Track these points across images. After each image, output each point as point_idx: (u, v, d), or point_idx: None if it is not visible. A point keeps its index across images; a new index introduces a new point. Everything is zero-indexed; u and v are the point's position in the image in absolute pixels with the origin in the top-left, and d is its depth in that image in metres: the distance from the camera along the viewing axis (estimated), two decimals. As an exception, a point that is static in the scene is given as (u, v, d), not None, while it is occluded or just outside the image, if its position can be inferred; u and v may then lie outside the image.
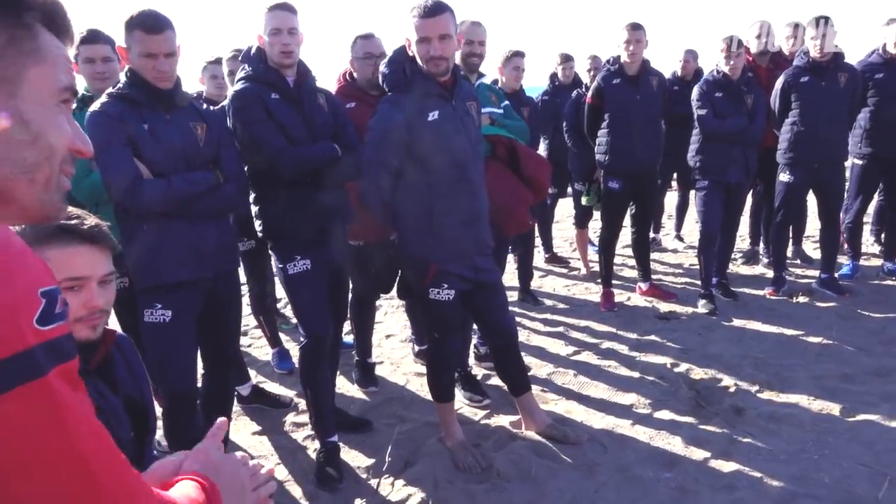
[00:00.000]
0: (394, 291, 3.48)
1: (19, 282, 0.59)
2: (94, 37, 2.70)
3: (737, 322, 4.23)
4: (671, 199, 6.73)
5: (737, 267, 5.50)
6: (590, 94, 4.50)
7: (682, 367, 3.57)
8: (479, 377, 3.54)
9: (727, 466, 2.60)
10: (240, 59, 2.73)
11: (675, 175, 6.10)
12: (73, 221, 1.30)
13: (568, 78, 5.75)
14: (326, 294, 2.75)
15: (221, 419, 1.14)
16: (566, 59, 5.70)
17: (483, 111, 3.18)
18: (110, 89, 2.28)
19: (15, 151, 0.67)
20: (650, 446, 2.79)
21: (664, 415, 3.06)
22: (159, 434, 2.64)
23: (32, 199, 0.70)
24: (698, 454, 2.70)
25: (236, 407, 3.36)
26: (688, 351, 3.79)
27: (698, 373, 3.49)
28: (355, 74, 3.29)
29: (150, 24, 2.16)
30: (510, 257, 4.64)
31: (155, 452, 1.75)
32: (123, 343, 1.54)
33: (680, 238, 6.51)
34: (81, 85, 2.83)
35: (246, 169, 2.60)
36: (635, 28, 4.21)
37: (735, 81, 4.33)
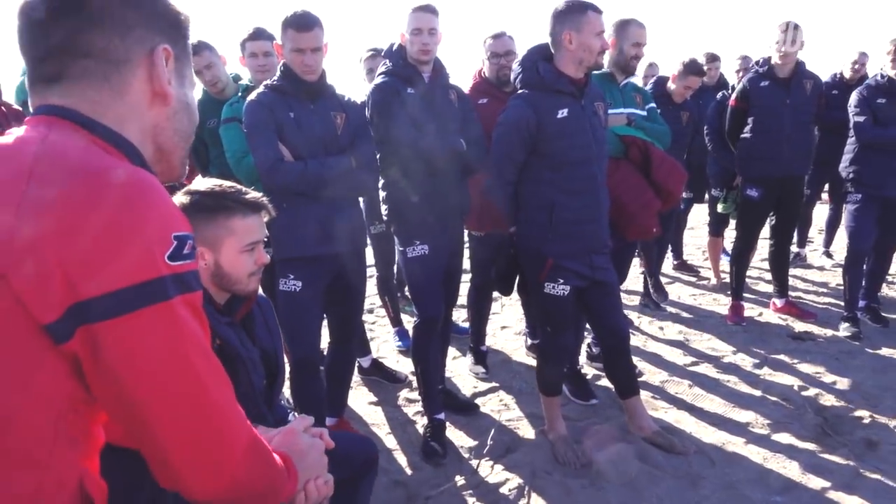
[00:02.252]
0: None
1: (158, 224, 0.75)
2: (257, 34, 3.05)
3: (885, 351, 3.86)
4: (821, 212, 6.21)
5: (893, 291, 4.98)
6: (734, 96, 4.28)
7: (812, 391, 3.34)
8: (589, 377, 3.54)
9: (848, 500, 2.43)
10: (382, 54, 2.94)
11: (826, 186, 5.64)
12: (244, 196, 1.55)
13: (712, 79, 5.48)
14: (441, 278, 2.90)
15: (307, 417, 1.30)
16: (712, 59, 5.44)
17: (623, 111, 3.18)
18: (267, 81, 2.58)
19: (183, 124, 0.94)
20: (763, 467, 2.66)
21: (783, 437, 2.90)
22: (287, 393, 2.95)
23: (179, 159, 0.96)
24: (816, 483, 2.54)
25: (356, 377, 3.63)
26: (821, 375, 3.53)
27: (829, 399, 3.24)
28: (485, 72, 3.41)
29: (300, 23, 2.43)
30: (636, 261, 4.56)
31: (283, 403, 2.00)
32: (263, 303, 1.78)
33: (828, 255, 6.00)
34: (246, 76, 3.20)
35: (378, 157, 2.81)
36: (790, 27, 3.94)
37: (902, 87, 3.92)
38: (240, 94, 3.10)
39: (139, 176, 0.77)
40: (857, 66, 5.21)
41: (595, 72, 2.81)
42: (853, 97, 4.11)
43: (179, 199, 1.52)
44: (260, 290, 1.78)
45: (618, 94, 3.19)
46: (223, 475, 0.82)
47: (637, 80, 3.49)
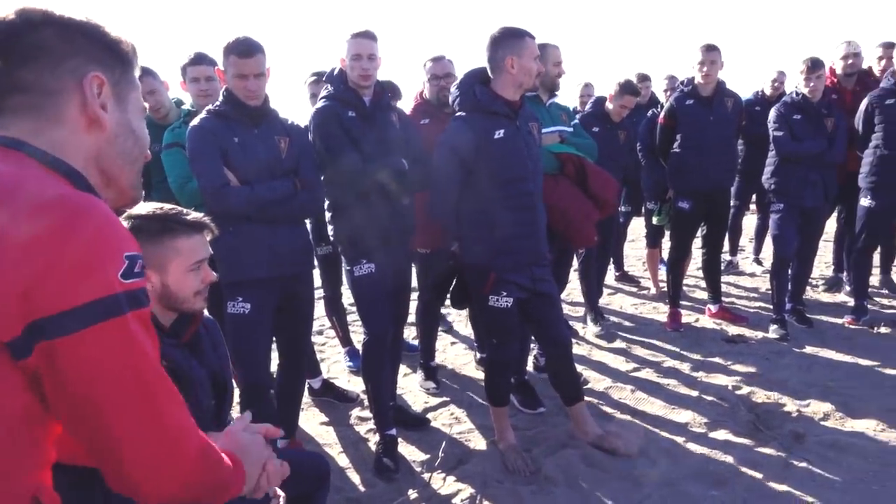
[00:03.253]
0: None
1: (111, 245, 0.80)
2: (199, 59, 3.07)
3: (809, 349, 4.11)
4: (751, 222, 6.56)
5: (817, 294, 5.31)
6: (662, 114, 4.53)
7: (745, 389, 3.53)
8: (536, 387, 3.63)
9: (778, 489, 2.59)
10: (324, 79, 3.01)
11: (754, 197, 5.97)
12: (187, 217, 1.58)
13: (644, 97, 5.77)
14: (388, 296, 2.96)
15: (246, 413, 1.36)
16: (643, 79, 5.73)
17: (554, 129, 3.33)
18: (210, 106, 2.61)
19: (126, 148, 0.97)
20: (701, 464, 2.80)
21: (719, 434, 3.06)
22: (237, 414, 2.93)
23: (128, 183, 0.99)
24: (750, 475, 2.69)
25: (307, 398, 3.63)
26: (752, 375, 3.74)
27: (760, 396, 3.44)
28: (426, 93, 3.53)
29: (242, 49, 2.47)
30: (574, 275, 4.71)
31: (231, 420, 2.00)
32: (210, 324, 1.80)
33: (758, 262, 6.33)
34: (188, 101, 3.21)
35: (322, 179, 2.86)
36: (710, 49, 4.22)
37: (815, 103, 4.24)
38: (182, 119, 3.11)
39: (88, 200, 0.81)
40: (776, 84, 5.58)
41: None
42: (772, 113, 4.41)
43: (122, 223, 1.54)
44: (206, 313, 1.80)
45: (546, 114, 3.35)
46: (177, 479, 0.86)
47: (559, 99, 3.67)
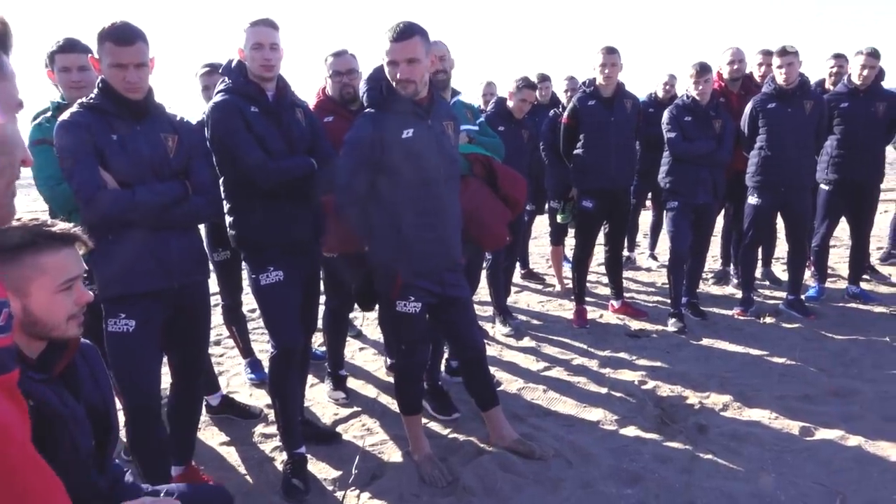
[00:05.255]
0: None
1: None
2: (70, 46, 2.71)
3: (705, 341, 4.32)
4: (646, 219, 6.85)
5: (707, 287, 5.60)
6: (566, 114, 4.59)
7: (650, 384, 3.63)
8: (450, 392, 3.56)
9: (688, 483, 2.65)
10: (220, 71, 2.76)
11: (649, 195, 6.22)
12: (52, 228, 1.34)
13: (545, 97, 5.86)
14: (298, 306, 2.77)
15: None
16: (543, 80, 5.82)
17: (462, 128, 3.24)
18: (82, 99, 2.29)
19: None
20: (614, 462, 2.83)
21: (630, 431, 3.11)
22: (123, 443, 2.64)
23: None
24: (661, 471, 2.75)
25: (205, 417, 3.35)
26: (656, 369, 3.86)
27: (665, 390, 3.55)
28: (328, 90, 3.34)
29: (119, 36, 2.17)
30: (482, 273, 4.68)
31: (117, 461, 1.76)
32: (88, 351, 1.56)
33: (654, 257, 6.62)
34: (57, 94, 2.84)
35: (221, 180, 2.62)
36: (610, 52, 4.32)
37: (704, 106, 4.45)
38: (50, 112, 2.75)
39: None
40: (667, 87, 5.83)
41: None
42: (665, 115, 4.59)
43: None
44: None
45: None
46: None
47: (464, 97, 3.60)
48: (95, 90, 2.31)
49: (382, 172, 2.59)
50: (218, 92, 2.63)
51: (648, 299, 5.38)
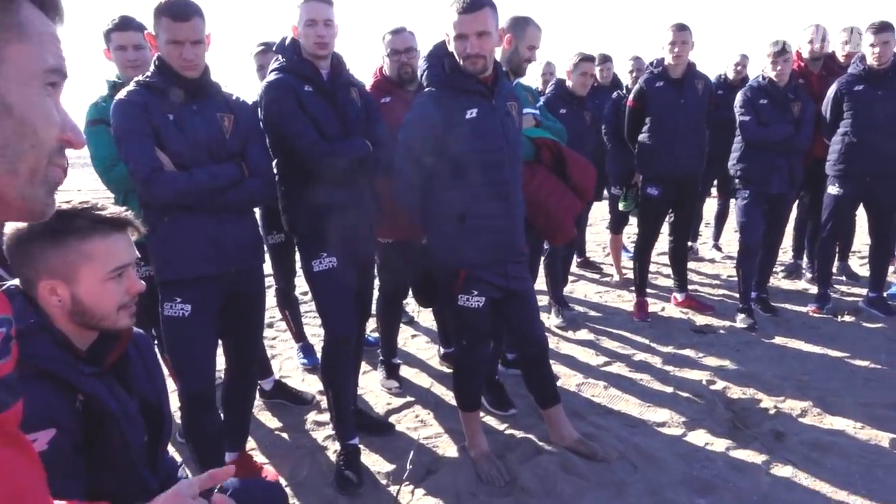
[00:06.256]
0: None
1: None
2: (125, 24, 2.66)
3: (778, 340, 4.05)
4: (710, 207, 6.53)
5: (778, 281, 5.29)
6: (631, 96, 4.35)
7: (719, 384, 3.41)
8: (506, 385, 3.43)
9: (766, 496, 2.45)
10: (273, 49, 2.66)
11: (715, 182, 5.91)
12: (102, 212, 1.26)
13: (606, 79, 5.60)
14: (352, 293, 2.67)
15: (226, 469, 1.05)
16: (604, 60, 5.56)
17: (526, 112, 3.07)
18: (139, 77, 2.23)
19: None
20: (684, 469, 2.65)
21: (699, 435, 2.92)
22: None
23: (14, 192, 0.63)
24: (735, 480, 2.55)
25: (258, 401, 3.32)
26: (725, 368, 3.63)
27: (736, 392, 3.32)
28: (386, 70, 3.22)
29: (176, 11, 2.09)
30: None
31: (171, 456, 1.70)
32: (141, 342, 1.49)
33: (718, 248, 6.31)
34: (114, 72, 2.80)
35: (275, 163, 2.53)
36: (681, 29, 4.04)
37: (781, 88, 4.14)
38: (106, 92, 2.71)
39: None
40: (738, 68, 5.48)
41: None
42: (738, 98, 4.29)
43: (16, 225, 1.20)
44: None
45: None
46: None
47: (524, 80, 3.41)
48: (152, 68, 2.24)
49: (444, 156, 2.45)
50: (271, 71, 2.53)
51: (713, 292, 5.11)
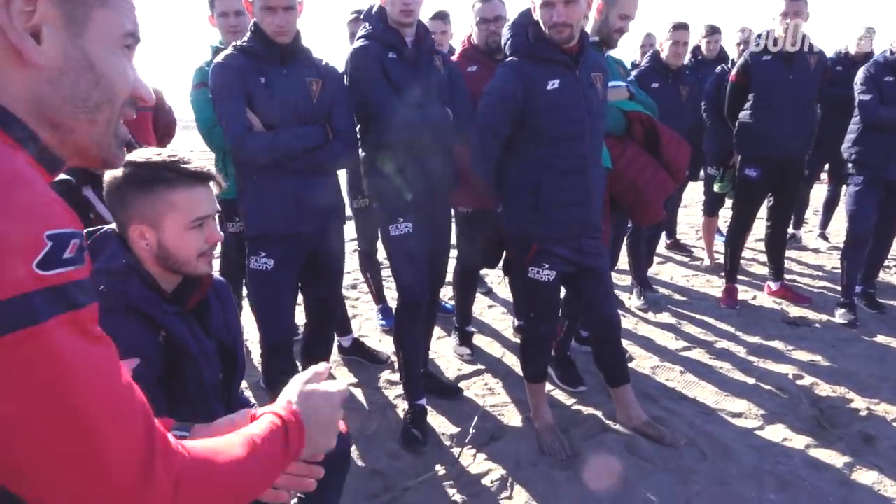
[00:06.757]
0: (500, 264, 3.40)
1: (19, 222, 0.57)
2: (228, -10, 2.81)
3: (881, 339, 3.75)
4: (818, 193, 6.08)
5: (889, 276, 4.88)
6: (734, 70, 4.09)
7: (807, 380, 3.23)
8: (578, 361, 3.40)
9: (846, 498, 2.32)
10: (361, 17, 2.73)
11: (826, 166, 5.49)
12: (187, 165, 1.36)
13: (712, 52, 5.28)
14: (425, 258, 2.73)
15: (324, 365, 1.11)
16: (712, 32, 5.23)
17: (620, 84, 2.97)
18: (236, 42, 2.36)
19: (79, 90, 0.69)
20: (757, 462, 2.54)
21: (777, 430, 2.78)
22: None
23: (90, 139, 0.72)
24: (813, 479, 2.43)
25: (336, 357, 3.49)
26: (816, 364, 3.42)
27: (825, 389, 3.13)
28: (474, 38, 3.21)
29: None
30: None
31: (245, 396, 1.83)
32: (221, 288, 1.60)
33: (824, 237, 5.88)
34: (217, 38, 2.97)
35: (358, 128, 2.61)
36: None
37: (913, 64, 3.75)
38: (210, 56, 2.88)
39: None
40: (862, 42, 5.02)
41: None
42: (860, 74, 3.93)
43: (113, 172, 1.33)
44: (217, 274, 1.59)
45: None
46: None
47: (615, 52, 3.28)
48: (248, 33, 2.36)
49: (523, 126, 2.44)
50: (358, 38, 2.60)
51: (813, 284, 4.79)
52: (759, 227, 4.69)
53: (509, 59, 2.49)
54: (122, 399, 0.65)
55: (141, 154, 1.34)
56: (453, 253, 3.74)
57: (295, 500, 1.79)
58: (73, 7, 0.68)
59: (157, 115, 3.69)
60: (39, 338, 0.57)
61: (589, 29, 2.95)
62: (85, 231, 1.39)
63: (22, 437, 0.59)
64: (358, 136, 2.61)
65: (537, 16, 2.39)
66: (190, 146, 10.49)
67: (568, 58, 2.41)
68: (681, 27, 4.09)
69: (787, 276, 4.63)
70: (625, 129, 2.88)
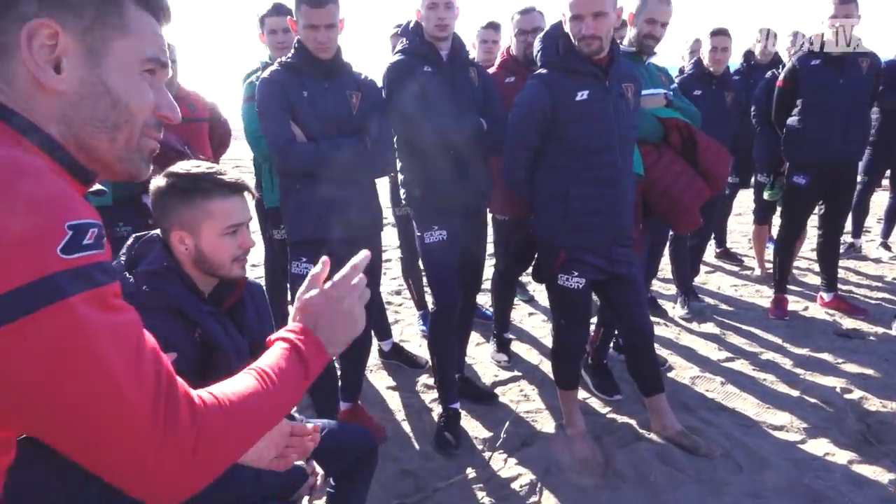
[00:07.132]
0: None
1: (44, 214, 0.66)
2: (276, 10, 2.98)
3: (940, 353, 3.59)
4: (881, 200, 5.83)
5: (955, 288, 4.64)
6: (782, 75, 4.00)
7: (856, 394, 3.12)
8: (614, 370, 3.39)
9: (886, 516, 2.25)
10: (400, 32, 2.83)
11: (888, 173, 5.27)
12: (223, 177, 1.48)
13: (766, 56, 5.16)
14: (457, 265, 2.80)
15: (324, 259, 1.13)
16: (766, 36, 5.10)
17: (657, 92, 2.97)
18: (282, 58, 2.51)
19: (98, 112, 0.78)
20: (794, 476, 2.49)
21: (820, 444, 2.71)
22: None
23: (112, 156, 0.82)
24: (853, 495, 2.36)
25: (376, 360, 3.59)
26: (867, 377, 3.30)
27: (874, 403, 3.02)
28: (513, 49, 3.27)
29: (313, 0, 2.32)
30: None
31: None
32: (255, 290, 1.72)
33: (886, 246, 5.63)
34: (266, 54, 3.14)
35: (395, 139, 2.71)
36: (844, 1, 3.63)
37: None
38: (260, 71, 3.05)
39: (13, 162, 0.68)
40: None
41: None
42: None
43: (157, 182, 1.46)
44: (252, 277, 1.71)
45: (644, 74, 2.98)
46: (181, 476, 0.74)
47: (658, 59, 3.25)
48: (292, 50, 2.51)
49: (551, 136, 2.48)
50: (395, 52, 2.71)
51: (871, 295, 4.60)
52: (814, 236, 4.54)
53: (539, 70, 2.54)
54: (144, 355, 0.73)
55: (182, 166, 1.47)
56: (491, 261, 3.81)
57: (324, 497, 1.89)
58: (92, 39, 0.77)
59: (213, 127, 3.90)
60: (67, 311, 0.66)
61: (627, 41, 2.98)
62: (135, 235, 1.53)
63: (58, 396, 0.68)
64: (395, 146, 2.71)
65: (567, 28, 2.43)
66: (242, 156, 10.91)
67: (598, 69, 2.44)
68: (719, 33, 4.02)
69: (843, 287, 4.48)
70: (661, 136, 2.88)
